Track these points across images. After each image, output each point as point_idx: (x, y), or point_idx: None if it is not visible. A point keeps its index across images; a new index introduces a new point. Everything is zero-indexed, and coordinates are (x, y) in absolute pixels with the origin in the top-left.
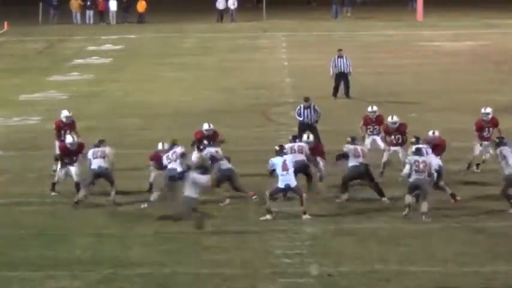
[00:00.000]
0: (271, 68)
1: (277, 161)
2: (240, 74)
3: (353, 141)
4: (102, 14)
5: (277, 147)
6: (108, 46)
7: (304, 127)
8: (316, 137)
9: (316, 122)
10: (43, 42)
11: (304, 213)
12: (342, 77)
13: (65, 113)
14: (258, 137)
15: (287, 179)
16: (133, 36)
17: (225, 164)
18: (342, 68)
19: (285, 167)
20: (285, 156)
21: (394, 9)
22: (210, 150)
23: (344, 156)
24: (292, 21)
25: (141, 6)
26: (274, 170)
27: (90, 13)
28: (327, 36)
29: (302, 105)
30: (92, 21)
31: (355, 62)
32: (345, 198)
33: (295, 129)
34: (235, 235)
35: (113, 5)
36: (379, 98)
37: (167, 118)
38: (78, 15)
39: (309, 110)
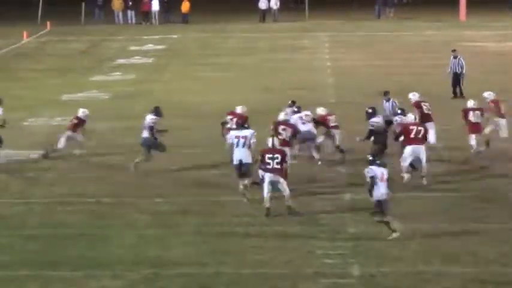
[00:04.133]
0: (314, 68)
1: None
2: (282, 74)
3: None
4: (146, 14)
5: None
6: (150, 46)
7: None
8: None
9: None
10: (85, 42)
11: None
12: (455, 77)
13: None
14: None
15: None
16: (175, 36)
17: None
18: (455, 68)
19: (382, 178)
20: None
21: (437, 9)
22: None
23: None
24: (335, 21)
25: (185, 7)
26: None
27: (131, 13)
28: (370, 36)
29: (383, 100)
30: (133, 21)
31: (396, 62)
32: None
33: None
34: (277, 235)
35: (155, 5)
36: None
37: (208, 118)
38: (120, 14)
39: (389, 103)
